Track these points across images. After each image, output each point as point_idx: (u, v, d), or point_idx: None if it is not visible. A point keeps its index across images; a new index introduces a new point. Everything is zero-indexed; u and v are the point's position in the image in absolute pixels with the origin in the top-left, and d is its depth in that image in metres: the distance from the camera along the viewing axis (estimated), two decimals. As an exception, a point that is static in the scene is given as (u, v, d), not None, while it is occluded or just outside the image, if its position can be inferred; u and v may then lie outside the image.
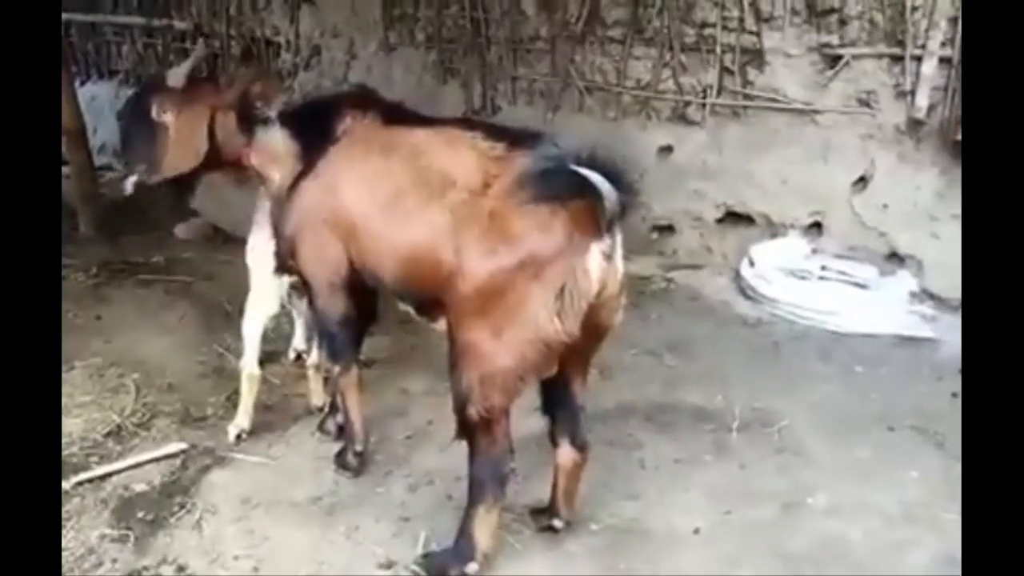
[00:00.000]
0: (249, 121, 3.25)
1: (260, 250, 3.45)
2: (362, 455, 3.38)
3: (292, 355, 4.16)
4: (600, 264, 2.51)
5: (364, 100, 3.24)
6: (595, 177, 2.43)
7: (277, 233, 3.28)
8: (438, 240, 2.66)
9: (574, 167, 2.47)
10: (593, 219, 2.46)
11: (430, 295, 2.77)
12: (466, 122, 2.91)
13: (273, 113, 3.25)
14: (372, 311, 3.40)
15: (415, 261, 2.76)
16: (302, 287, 3.39)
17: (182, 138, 3.23)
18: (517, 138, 2.72)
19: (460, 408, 2.63)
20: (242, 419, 3.62)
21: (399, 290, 2.96)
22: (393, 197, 2.83)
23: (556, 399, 2.87)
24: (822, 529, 3.04)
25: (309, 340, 3.84)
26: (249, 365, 3.57)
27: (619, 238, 2.58)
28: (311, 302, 3.30)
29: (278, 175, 3.24)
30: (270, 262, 3.39)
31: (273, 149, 3.24)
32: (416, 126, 3.02)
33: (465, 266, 2.57)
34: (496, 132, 2.79)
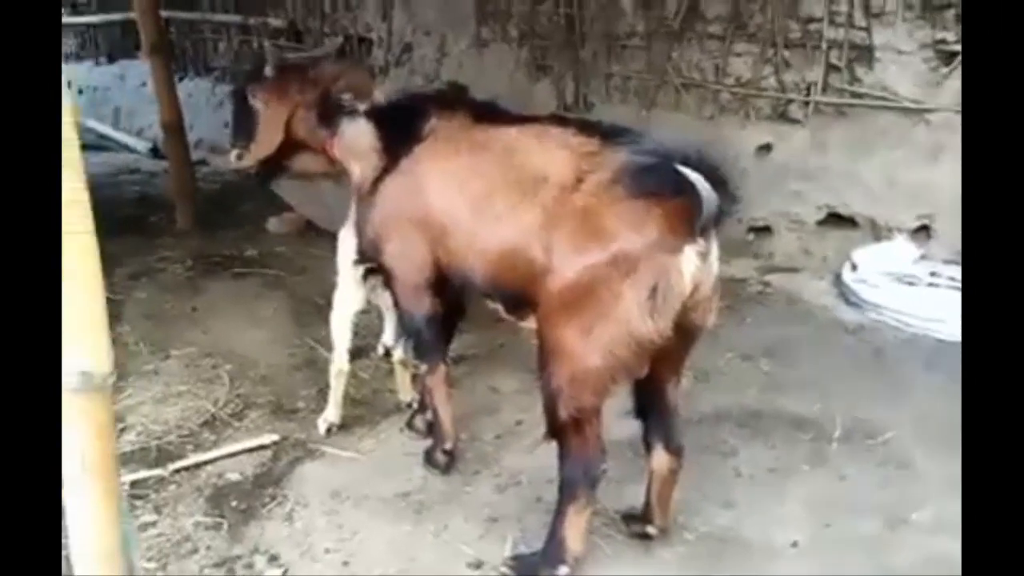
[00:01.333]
0: (332, 113, 3.28)
1: (347, 245, 3.46)
2: (451, 453, 3.35)
3: (380, 350, 4.17)
4: (694, 264, 2.44)
5: (452, 99, 3.27)
6: (696, 178, 2.36)
7: (359, 230, 3.28)
8: (529, 238, 2.62)
9: (676, 166, 2.40)
10: (689, 220, 2.39)
11: (521, 294, 2.73)
12: (558, 118, 2.87)
13: (361, 106, 3.26)
14: (461, 308, 3.38)
15: (506, 260, 2.72)
16: (386, 285, 3.37)
17: (265, 126, 3.42)
18: (610, 133, 2.67)
19: (550, 408, 2.58)
20: (332, 413, 3.63)
21: (489, 289, 2.92)
22: (484, 196, 2.80)
23: (649, 402, 2.80)
24: (928, 546, 2.88)
25: (398, 336, 3.84)
26: (338, 360, 3.57)
27: (715, 239, 2.51)
28: (395, 300, 3.29)
29: (358, 169, 3.25)
30: (346, 258, 3.42)
31: (355, 142, 3.26)
32: (507, 124, 2.99)
33: (555, 263, 2.53)
34: (589, 127, 2.75)
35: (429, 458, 3.38)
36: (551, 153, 2.68)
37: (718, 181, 2.39)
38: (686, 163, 2.40)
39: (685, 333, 2.59)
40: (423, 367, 3.31)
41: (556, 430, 2.62)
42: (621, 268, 2.42)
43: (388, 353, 4.07)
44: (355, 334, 3.65)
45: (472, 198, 2.84)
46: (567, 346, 2.52)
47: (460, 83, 7.37)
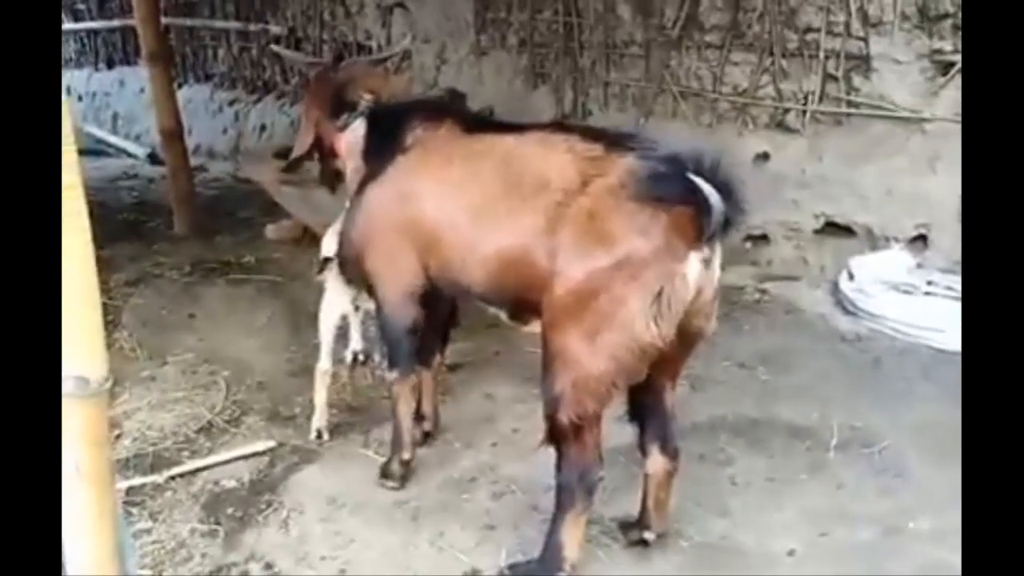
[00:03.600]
0: (339, 109, 3.33)
1: (330, 248, 3.48)
2: (408, 464, 3.32)
3: (349, 356, 4.03)
4: (698, 271, 2.45)
5: (439, 109, 3.29)
6: (704, 186, 2.37)
7: (343, 235, 3.29)
8: (532, 242, 2.62)
9: (685, 172, 2.41)
10: (696, 226, 2.39)
11: (525, 299, 2.73)
12: (560, 125, 2.89)
13: (365, 104, 3.29)
14: (454, 316, 3.37)
15: (509, 266, 2.72)
16: (368, 292, 3.35)
17: (302, 127, 3.60)
18: (615, 139, 2.67)
19: (552, 413, 2.57)
20: (317, 418, 3.65)
21: (491, 296, 2.91)
22: (483, 203, 2.80)
23: (646, 406, 2.80)
24: (925, 555, 2.88)
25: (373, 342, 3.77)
26: (321, 362, 3.60)
27: (718, 245, 2.52)
28: (378, 308, 3.26)
29: (350, 170, 3.30)
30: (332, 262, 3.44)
31: (352, 142, 3.31)
32: (503, 132, 2.99)
33: (560, 267, 2.52)
34: (593, 134, 2.76)
35: (385, 471, 3.32)
36: (553, 158, 2.68)
37: (725, 189, 2.40)
38: (695, 170, 2.42)
39: (686, 338, 2.60)
40: (393, 375, 3.26)
41: (556, 435, 2.61)
42: (627, 273, 2.42)
43: (356, 359, 3.97)
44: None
45: (470, 206, 2.84)
46: (571, 351, 2.51)
47: (459, 90, 7.40)
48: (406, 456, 3.31)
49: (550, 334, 2.57)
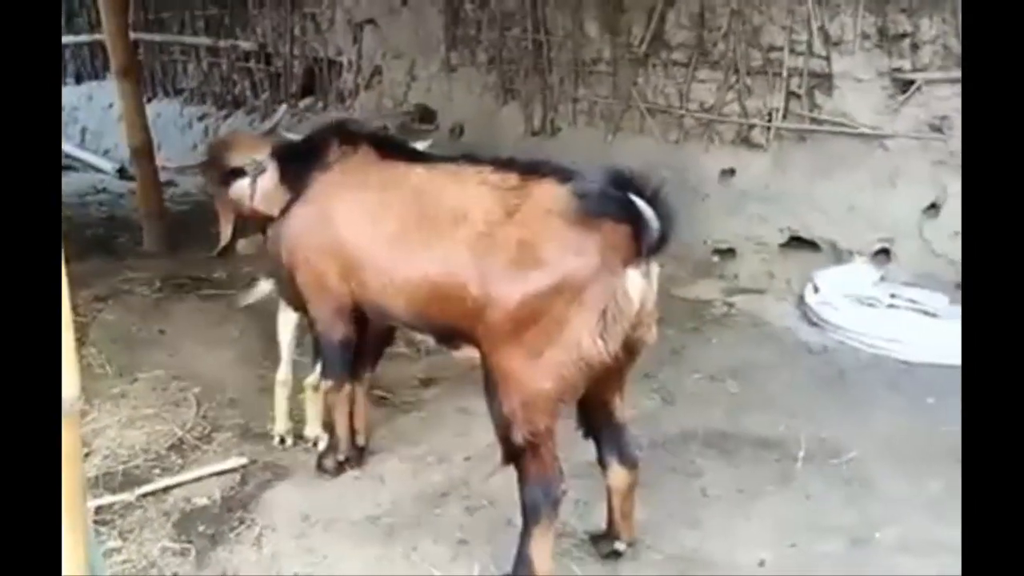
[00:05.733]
0: (230, 180, 3.43)
1: None
2: (343, 464, 3.48)
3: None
4: (640, 284, 2.51)
5: (351, 133, 3.34)
6: (638, 201, 2.45)
7: (273, 256, 3.40)
8: (457, 273, 2.67)
9: (616, 191, 2.49)
10: (633, 242, 2.46)
11: (453, 326, 2.79)
12: (469, 158, 2.98)
13: (253, 162, 3.37)
14: (389, 336, 3.57)
15: (433, 295, 2.78)
16: (302, 310, 3.48)
17: (221, 220, 3.68)
18: (528, 167, 2.74)
19: (505, 434, 2.63)
20: (279, 424, 3.72)
21: (415, 323, 3.01)
22: (397, 235, 2.89)
23: (598, 420, 2.85)
24: (892, 565, 2.93)
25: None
26: (279, 371, 3.71)
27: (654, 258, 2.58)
28: (310, 323, 3.39)
29: (277, 210, 3.35)
30: None
31: (266, 189, 3.36)
32: (413, 162, 3.08)
33: (494, 294, 2.57)
34: (504, 164, 2.81)
35: (320, 463, 3.50)
36: (469, 190, 2.75)
37: (657, 203, 2.47)
38: (624, 187, 2.49)
39: (629, 350, 2.65)
40: (328, 384, 3.40)
41: (513, 455, 2.66)
42: (567, 294, 2.47)
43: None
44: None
45: (385, 235, 2.93)
46: (516, 372, 2.57)
47: (429, 107, 7.45)
48: (341, 456, 3.48)
49: (492, 358, 2.63)
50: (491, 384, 2.64)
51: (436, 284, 2.75)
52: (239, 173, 3.39)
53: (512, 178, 2.69)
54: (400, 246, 2.87)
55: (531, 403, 2.55)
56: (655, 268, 2.58)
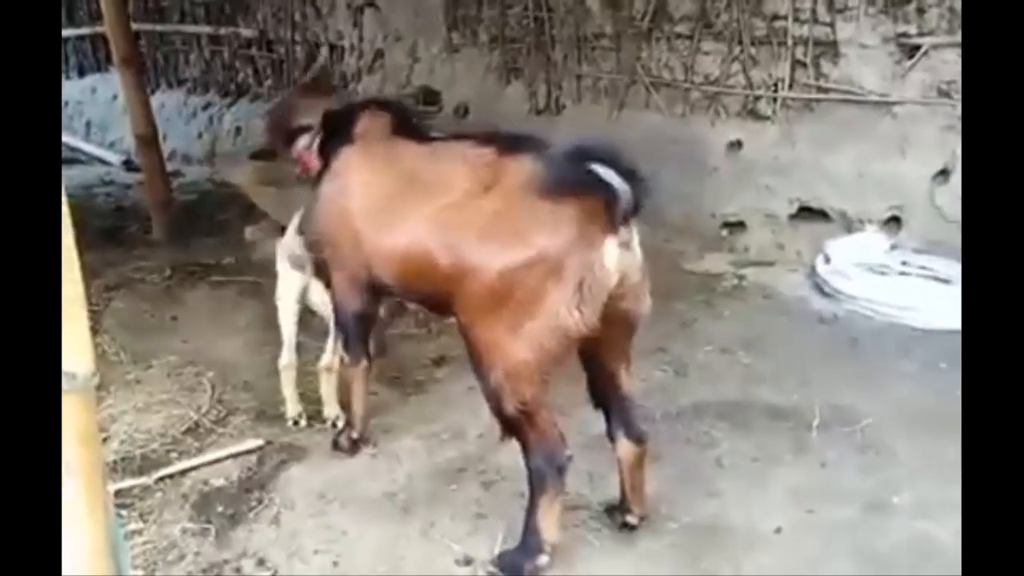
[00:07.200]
0: (292, 138, 3.51)
1: (282, 244, 3.66)
2: (357, 443, 3.50)
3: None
4: (616, 255, 2.52)
5: (380, 106, 3.44)
6: (605, 172, 2.46)
7: (308, 225, 3.48)
8: (426, 242, 2.74)
9: (585, 163, 2.50)
10: (607, 213, 2.48)
11: (432, 293, 2.86)
12: (457, 135, 3.05)
13: (311, 121, 3.47)
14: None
15: (406, 263, 2.89)
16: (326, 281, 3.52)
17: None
18: (507, 141, 2.80)
19: (496, 407, 2.66)
20: (290, 408, 3.73)
21: (403, 292, 3.17)
22: (384, 207, 2.98)
23: (604, 394, 2.87)
24: (910, 529, 2.93)
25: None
26: (282, 356, 3.72)
27: (634, 227, 2.60)
28: (332, 295, 3.44)
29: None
30: (283, 256, 3.63)
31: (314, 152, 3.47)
32: (420, 142, 3.16)
33: (471, 265, 2.61)
34: (485, 139, 2.86)
35: (336, 442, 3.54)
36: (447, 166, 2.85)
37: (628, 173, 2.48)
38: (593, 159, 2.49)
39: (620, 321, 2.67)
40: (346, 359, 3.45)
41: (509, 426, 2.69)
42: (543, 268, 2.50)
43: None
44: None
45: (376, 209, 3.02)
46: (496, 343, 2.60)
47: (432, 88, 7.43)
48: (355, 434, 3.51)
49: (472, 331, 2.66)
50: (475, 357, 2.69)
51: (407, 252, 2.86)
52: (304, 130, 3.49)
53: (488, 154, 2.75)
54: (384, 218, 2.97)
55: (514, 374, 2.58)
56: (636, 237, 2.60)
